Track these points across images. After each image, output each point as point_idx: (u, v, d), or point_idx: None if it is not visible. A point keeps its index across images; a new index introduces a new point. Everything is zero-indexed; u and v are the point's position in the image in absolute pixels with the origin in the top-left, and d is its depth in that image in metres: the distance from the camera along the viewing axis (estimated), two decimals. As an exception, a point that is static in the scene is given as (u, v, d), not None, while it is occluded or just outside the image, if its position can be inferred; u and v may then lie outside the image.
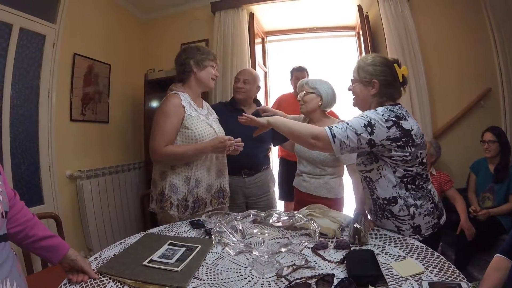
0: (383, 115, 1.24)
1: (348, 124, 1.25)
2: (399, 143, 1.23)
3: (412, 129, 1.26)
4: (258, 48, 3.77)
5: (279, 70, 4.16)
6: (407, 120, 1.26)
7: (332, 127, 1.26)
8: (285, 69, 3.50)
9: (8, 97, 2.30)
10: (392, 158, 1.26)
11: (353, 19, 3.73)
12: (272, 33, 4.14)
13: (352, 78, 1.45)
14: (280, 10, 3.57)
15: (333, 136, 1.23)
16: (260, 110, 2.19)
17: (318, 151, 1.82)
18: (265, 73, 4.04)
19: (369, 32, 3.32)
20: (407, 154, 1.24)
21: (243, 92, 2.21)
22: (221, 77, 3.22)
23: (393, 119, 1.23)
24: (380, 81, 1.34)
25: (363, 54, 3.42)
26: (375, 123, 1.22)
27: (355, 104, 1.48)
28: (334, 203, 1.86)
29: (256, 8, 3.49)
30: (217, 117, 1.95)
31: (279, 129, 1.42)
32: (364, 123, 1.22)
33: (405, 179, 1.29)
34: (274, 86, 4.11)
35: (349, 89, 1.47)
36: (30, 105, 2.52)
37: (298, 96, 1.96)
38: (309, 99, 1.90)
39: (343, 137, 1.23)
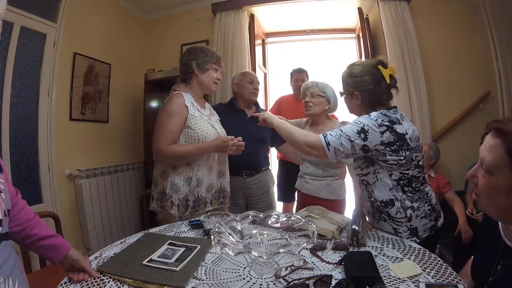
0: (376, 120, 1.24)
1: (342, 131, 1.27)
2: (393, 148, 1.23)
3: (407, 133, 1.26)
4: (258, 49, 3.78)
5: (279, 71, 4.17)
6: (401, 124, 1.26)
7: (326, 135, 1.28)
8: (285, 71, 3.50)
9: (8, 96, 2.31)
10: (387, 162, 1.26)
11: (353, 21, 3.74)
12: (272, 34, 4.15)
13: (341, 90, 1.49)
14: (280, 11, 3.58)
15: (327, 144, 1.26)
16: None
17: None
18: (265, 74, 4.05)
19: (369, 34, 3.34)
20: (402, 158, 1.24)
21: (258, 93, 2.25)
22: (221, 78, 3.22)
23: (387, 123, 1.23)
24: (361, 92, 1.36)
25: (363, 56, 3.43)
26: (368, 129, 1.23)
27: (350, 112, 1.52)
28: (336, 205, 1.87)
29: (256, 10, 3.49)
30: (219, 118, 1.96)
31: (280, 132, 1.49)
32: (358, 130, 1.24)
33: (402, 182, 1.29)
34: (274, 88, 4.12)
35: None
36: (30, 104, 2.52)
37: (306, 97, 1.95)
38: (318, 103, 1.90)
39: (337, 144, 1.25)
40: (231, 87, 2.33)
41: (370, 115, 1.28)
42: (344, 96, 1.47)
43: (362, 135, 1.23)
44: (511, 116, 0.72)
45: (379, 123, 1.23)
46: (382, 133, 1.22)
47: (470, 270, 1.02)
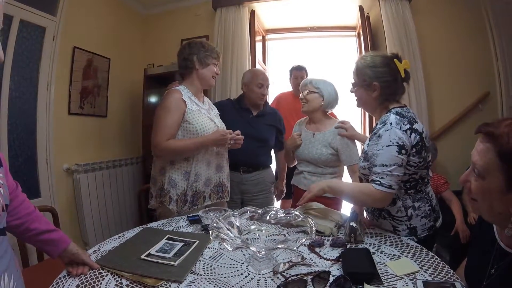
0: (400, 127, 1.21)
1: (386, 165, 1.20)
2: (417, 148, 1.22)
3: (423, 131, 1.25)
4: (258, 46, 3.77)
5: (278, 68, 4.15)
6: (417, 123, 1.25)
7: (381, 182, 1.20)
8: (284, 68, 3.49)
9: (7, 90, 2.29)
10: (408, 163, 1.23)
11: (354, 19, 3.73)
12: (273, 31, 4.14)
13: (353, 81, 1.43)
14: (281, 8, 3.56)
15: (390, 187, 1.20)
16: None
17: (319, 152, 1.86)
18: (265, 71, 4.03)
19: (369, 32, 3.33)
20: (421, 160, 1.23)
21: (265, 98, 2.23)
22: (220, 74, 3.20)
23: (408, 125, 1.22)
24: (381, 83, 1.31)
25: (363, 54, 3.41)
26: (402, 142, 1.19)
27: (358, 105, 1.47)
28: (333, 202, 1.86)
29: (257, 6, 3.48)
30: (218, 113, 1.96)
31: (337, 196, 1.44)
32: (397, 150, 1.19)
33: (408, 184, 1.29)
34: (273, 85, 4.10)
35: (351, 91, 1.46)
36: (29, 98, 2.51)
37: (300, 94, 1.96)
38: (311, 99, 1.90)
39: (396, 180, 1.20)
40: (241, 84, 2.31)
41: (391, 125, 1.23)
42: (356, 88, 1.41)
43: (403, 151, 1.19)
44: (501, 119, 0.72)
45: (403, 129, 1.21)
46: (409, 136, 1.21)
47: (464, 272, 1.02)
